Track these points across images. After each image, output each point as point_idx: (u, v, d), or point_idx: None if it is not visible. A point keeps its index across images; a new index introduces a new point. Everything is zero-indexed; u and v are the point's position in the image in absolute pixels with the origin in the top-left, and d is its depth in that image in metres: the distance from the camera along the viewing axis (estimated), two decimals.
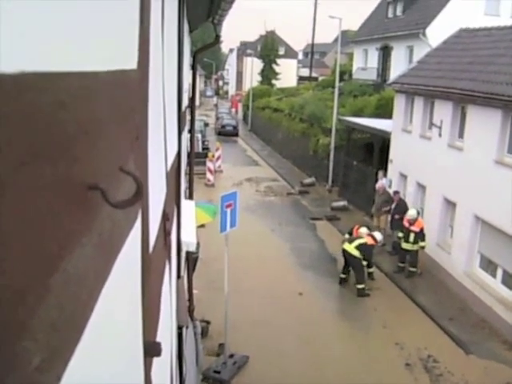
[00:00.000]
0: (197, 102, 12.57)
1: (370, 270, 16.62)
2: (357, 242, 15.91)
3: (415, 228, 16.48)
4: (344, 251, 16.04)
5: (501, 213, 13.69)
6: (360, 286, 15.67)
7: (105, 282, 1.42)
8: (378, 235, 16.71)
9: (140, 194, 1.44)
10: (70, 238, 1.16)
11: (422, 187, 18.74)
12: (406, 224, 16.76)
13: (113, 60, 1.58)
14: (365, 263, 15.89)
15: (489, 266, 14.91)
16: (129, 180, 1.51)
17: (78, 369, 1.14)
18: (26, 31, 0.90)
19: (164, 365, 3.56)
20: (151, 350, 2.26)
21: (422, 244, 16.51)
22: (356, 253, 15.70)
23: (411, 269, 16.62)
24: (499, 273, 14.35)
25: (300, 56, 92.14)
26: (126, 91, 1.86)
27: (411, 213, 16.67)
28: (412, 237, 16.47)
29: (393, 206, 18.78)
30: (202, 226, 13.56)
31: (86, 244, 1.25)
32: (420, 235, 16.48)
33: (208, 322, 12.81)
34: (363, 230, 16.72)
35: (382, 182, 20.54)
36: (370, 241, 16.14)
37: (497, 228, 14.07)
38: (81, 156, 1.21)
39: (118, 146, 1.67)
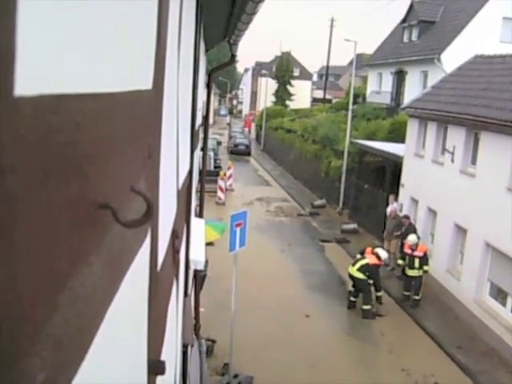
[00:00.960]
0: (210, 121, 12.63)
1: (379, 293, 16.51)
2: (359, 264, 15.86)
3: (419, 253, 16.37)
4: (350, 275, 15.98)
5: None
6: (366, 307, 15.59)
7: (112, 299, 1.44)
8: (383, 253, 16.48)
9: (150, 214, 1.45)
10: (79, 257, 1.17)
11: (432, 212, 18.66)
12: (408, 251, 16.65)
13: (128, 81, 1.60)
14: (371, 282, 15.78)
15: (499, 294, 14.78)
16: (139, 199, 1.53)
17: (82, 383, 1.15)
18: (44, 54, 0.92)
19: (168, 382, 3.56)
20: (155, 368, 2.26)
21: (425, 268, 16.41)
22: (360, 275, 15.65)
23: (415, 297, 16.45)
24: (509, 301, 14.22)
25: (315, 78, 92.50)
26: (140, 111, 1.88)
27: (411, 238, 16.57)
28: (417, 262, 16.35)
29: (403, 230, 18.69)
30: (211, 243, 13.58)
31: (94, 262, 1.26)
32: (424, 259, 16.38)
33: (213, 341, 12.76)
34: (379, 251, 16.55)
35: (393, 206, 20.48)
36: (372, 260, 15.98)
37: (508, 256, 13.97)
38: (93, 175, 1.23)
39: (130, 165, 1.69)
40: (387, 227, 20.22)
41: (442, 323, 15.42)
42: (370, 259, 15.98)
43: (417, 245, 16.45)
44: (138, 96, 1.80)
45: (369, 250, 16.81)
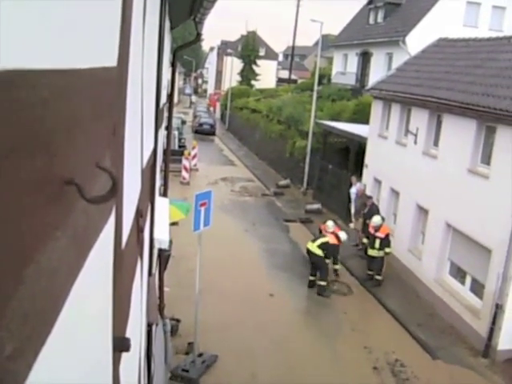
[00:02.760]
0: (175, 100, 12.54)
1: (336, 266, 16.91)
2: (319, 241, 16.15)
3: (380, 234, 16.59)
4: (308, 251, 16.25)
5: (472, 221, 13.90)
6: (321, 283, 15.91)
7: (77, 275, 1.44)
8: (343, 234, 16.77)
9: (115, 191, 1.46)
10: (44, 231, 1.18)
11: (395, 193, 18.91)
12: (371, 230, 16.89)
13: (93, 57, 1.59)
14: (328, 261, 16.08)
15: (458, 273, 15.11)
16: (104, 176, 1.53)
17: (49, 359, 1.16)
18: (9, 29, 0.91)
19: (132, 361, 3.57)
20: (120, 344, 2.28)
21: (387, 250, 16.65)
22: (318, 251, 15.94)
23: (377, 277, 16.69)
24: (468, 280, 14.55)
25: (280, 58, 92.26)
26: (105, 88, 1.88)
27: (376, 220, 16.80)
28: (378, 243, 16.58)
29: (365, 210, 18.91)
30: (175, 223, 13.53)
31: (59, 238, 1.27)
32: (385, 241, 16.61)
33: (178, 321, 12.77)
34: (329, 224, 17.00)
35: (360, 186, 20.67)
36: (332, 240, 16.28)
37: (467, 236, 14.26)
38: (59, 151, 1.23)
39: (95, 142, 1.69)
40: (355, 206, 20.45)
41: (403, 302, 15.71)
42: (330, 238, 16.28)
43: (380, 226, 16.67)
44: (103, 73, 1.79)
45: (323, 226, 17.19)
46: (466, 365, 12.56)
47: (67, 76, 1.25)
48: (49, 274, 1.18)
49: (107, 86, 1.92)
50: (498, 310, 12.65)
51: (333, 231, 16.69)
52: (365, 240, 17.77)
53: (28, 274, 1.05)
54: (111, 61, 1.98)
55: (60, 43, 1.21)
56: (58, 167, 1.25)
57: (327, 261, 16.05)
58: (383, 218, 17.22)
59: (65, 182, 1.28)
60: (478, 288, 14.03)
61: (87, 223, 1.58)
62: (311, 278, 16.33)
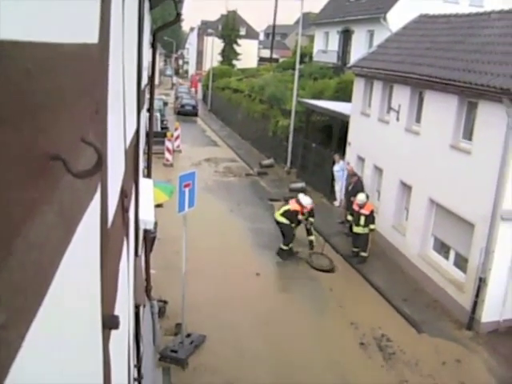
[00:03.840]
0: (156, 81, 12.46)
1: (311, 237, 17.36)
2: (282, 210, 16.89)
3: (365, 211, 16.69)
4: (275, 220, 17.01)
5: (455, 196, 14.03)
6: (283, 247, 16.76)
7: (65, 250, 1.45)
8: (305, 200, 17.08)
9: (100, 165, 1.46)
10: (31, 205, 1.18)
11: (378, 170, 19.01)
12: (355, 208, 17.01)
13: (75, 33, 1.59)
14: (294, 226, 16.77)
15: (442, 248, 15.28)
16: (89, 152, 1.53)
17: (40, 330, 1.17)
18: None
19: (122, 340, 3.59)
20: (109, 322, 2.29)
21: (371, 227, 16.80)
22: (283, 219, 16.65)
23: (362, 254, 16.85)
24: (452, 255, 14.72)
25: (261, 37, 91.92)
26: (88, 64, 1.87)
27: (360, 197, 16.92)
28: (362, 220, 16.70)
29: (350, 187, 19.01)
30: (160, 205, 13.51)
31: (47, 212, 1.27)
32: (370, 218, 16.74)
33: (165, 302, 12.82)
34: (300, 196, 17.54)
35: (349, 165, 20.73)
36: (294, 207, 16.78)
37: (450, 211, 14.40)
38: (44, 126, 1.23)
39: (79, 119, 1.69)
40: (343, 185, 20.58)
41: (388, 277, 15.88)
42: (291, 206, 16.83)
43: (365, 203, 16.76)
44: (85, 49, 1.79)
45: (293, 200, 17.53)
46: (451, 337, 12.77)
47: (49, 50, 1.25)
48: (37, 247, 1.19)
49: (89, 62, 1.92)
50: (481, 283, 12.84)
51: (296, 200, 17.22)
52: (349, 217, 17.91)
53: (17, 246, 1.06)
54: (92, 38, 1.98)
55: (41, 17, 1.20)
56: (44, 142, 1.25)
57: (293, 225, 16.72)
58: (367, 196, 17.34)
59: (51, 156, 1.28)
60: (461, 262, 14.21)
61: (73, 199, 1.58)
62: (281, 245, 16.98)
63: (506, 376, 11.42)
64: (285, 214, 16.71)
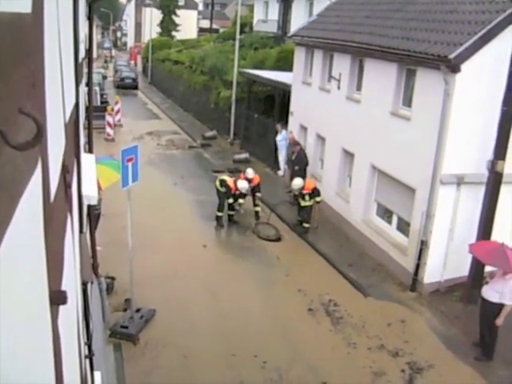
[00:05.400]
0: (94, 54, 12.16)
1: (257, 208, 17.80)
2: (220, 178, 17.61)
3: (307, 191, 16.80)
4: (216, 189, 17.52)
5: (395, 163, 14.32)
6: (217, 213, 17.25)
7: (8, 225, 1.42)
8: (241, 184, 17.29)
9: (40, 136, 1.42)
10: None
11: (321, 139, 19.18)
12: (295, 193, 17.23)
13: (8, 1, 1.53)
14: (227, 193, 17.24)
15: (385, 213, 15.61)
16: (28, 124, 1.49)
17: None
18: None
19: (70, 316, 3.55)
20: (57, 297, 2.26)
21: (317, 199, 16.99)
22: (220, 188, 17.28)
23: (305, 225, 16.99)
24: (394, 220, 15.07)
25: (200, 7, 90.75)
26: (22, 35, 1.81)
27: (296, 182, 17.01)
28: (307, 197, 16.82)
29: (293, 157, 19.11)
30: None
31: None
32: (315, 192, 16.90)
33: (113, 278, 12.72)
34: (249, 170, 18.03)
35: (291, 134, 20.80)
36: (230, 183, 17.25)
37: (392, 177, 14.70)
38: None
39: (15, 90, 1.64)
40: (288, 154, 20.55)
41: (333, 244, 16.17)
42: (229, 181, 17.35)
43: (303, 187, 16.81)
44: (18, 19, 1.73)
45: (243, 175, 18.02)
46: (396, 299, 13.17)
47: None
48: None
49: (23, 33, 1.85)
50: (423, 246, 13.22)
51: (246, 177, 17.62)
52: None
53: None
54: (25, 7, 1.91)
55: None
56: None
57: (226, 194, 17.25)
58: (302, 178, 17.40)
59: None
60: (404, 226, 14.57)
61: (14, 172, 1.54)
62: (219, 214, 17.44)
63: (447, 333, 11.87)
64: (221, 184, 17.26)
